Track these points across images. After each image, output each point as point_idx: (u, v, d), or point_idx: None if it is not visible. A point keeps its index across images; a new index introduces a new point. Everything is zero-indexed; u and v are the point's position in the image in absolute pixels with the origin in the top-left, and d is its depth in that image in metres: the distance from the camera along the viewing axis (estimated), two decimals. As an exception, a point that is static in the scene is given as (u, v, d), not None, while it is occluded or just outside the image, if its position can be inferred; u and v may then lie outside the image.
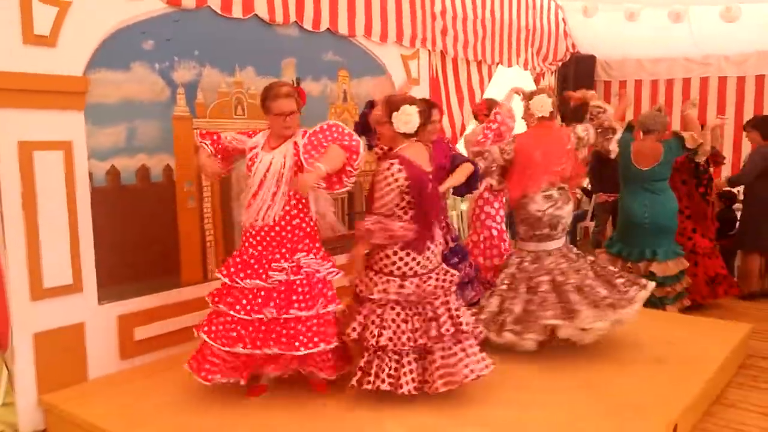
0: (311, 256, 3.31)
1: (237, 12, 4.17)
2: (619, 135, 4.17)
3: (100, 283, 3.59)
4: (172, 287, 3.93)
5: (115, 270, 3.66)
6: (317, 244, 3.40)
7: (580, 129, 4.10)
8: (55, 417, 3.30)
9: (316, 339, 3.17)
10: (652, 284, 3.98)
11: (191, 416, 3.14)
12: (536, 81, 7.75)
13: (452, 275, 3.41)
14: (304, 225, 3.34)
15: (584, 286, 3.86)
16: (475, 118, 5.23)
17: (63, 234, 3.40)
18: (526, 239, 4.08)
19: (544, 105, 4.05)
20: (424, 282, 3.27)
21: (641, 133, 5.29)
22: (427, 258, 3.30)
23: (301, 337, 3.15)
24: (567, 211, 4.05)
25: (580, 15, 7.70)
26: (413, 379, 3.19)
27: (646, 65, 8.12)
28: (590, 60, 8.26)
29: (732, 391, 3.86)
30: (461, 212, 8.89)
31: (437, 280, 3.31)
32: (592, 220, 7.79)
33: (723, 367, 3.83)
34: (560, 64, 8.04)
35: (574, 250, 4.15)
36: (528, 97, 4.20)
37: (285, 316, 3.16)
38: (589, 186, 7.59)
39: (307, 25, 4.64)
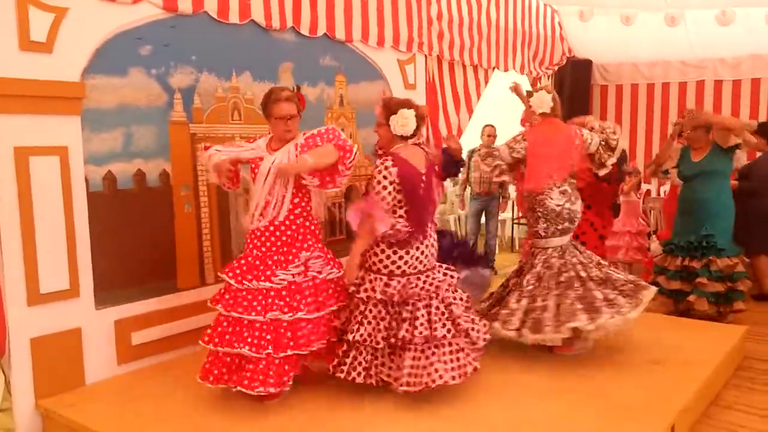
0: (316, 253, 3.38)
1: (234, 17, 4.18)
2: (619, 151, 4.19)
3: (97, 288, 3.60)
4: (169, 292, 3.94)
5: (112, 275, 3.66)
6: (319, 244, 3.45)
7: (586, 132, 4.14)
8: (53, 422, 3.29)
9: (313, 337, 3.26)
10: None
11: (189, 420, 3.13)
12: (533, 85, 7.77)
13: (446, 278, 3.45)
14: (307, 223, 3.39)
15: (605, 277, 3.93)
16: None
17: (60, 239, 3.41)
18: (549, 235, 4.07)
19: (544, 101, 4.10)
20: (411, 282, 3.32)
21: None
22: (417, 258, 3.35)
23: (310, 337, 3.25)
24: (579, 205, 4.11)
25: (576, 19, 7.74)
26: (381, 372, 3.30)
27: (642, 69, 8.16)
28: (587, 64, 8.29)
29: (729, 393, 3.87)
30: (458, 216, 8.90)
31: (425, 281, 3.36)
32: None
33: (719, 368, 3.83)
34: (556, 68, 8.07)
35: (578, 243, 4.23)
36: (528, 95, 4.27)
37: (292, 317, 3.21)
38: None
39: (304, 30, 4.66)
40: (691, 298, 5.02)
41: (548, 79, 8.05)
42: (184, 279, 4.03)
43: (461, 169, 4.25)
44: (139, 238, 3.78)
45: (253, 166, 3.39)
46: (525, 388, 3.46)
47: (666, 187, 7.58)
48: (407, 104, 3.38)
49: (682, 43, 7.48)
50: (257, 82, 4.37)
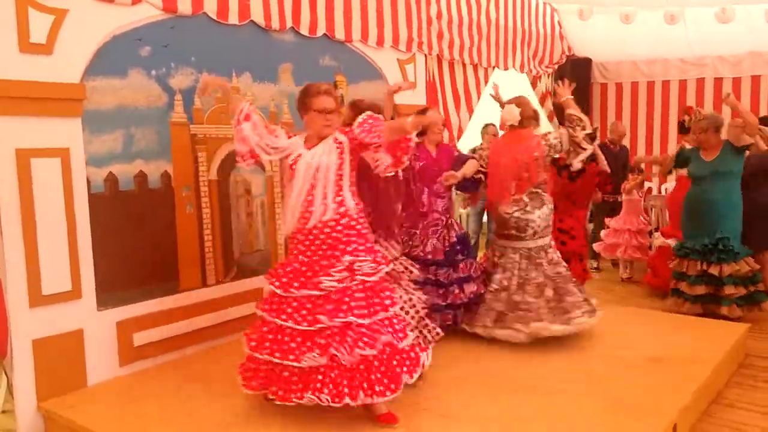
0: (362, 256, 3.10)
1: (233, 18, 4.18)
2: (586, 154, 4.12)
3: (99, 289, 3.60)
4: (170, 293, 3.94)
5: (113, 276, 3.66)
6: (368, 244, 3.17)
7: (552, 137, 4.14)
8: (54, 423, 3.29)
9: (361, 343, 2.99)
10: (599, 313, 4.13)
11: (191, 421, 3.13)
12: (533, 84, 7.78)
13: (406, 272, 3.61)
14: (353, 223, 3.11)
15: (519, 297, 4.03)
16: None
17: (61, 241, 3.41)
18: (497, 236, 4.30)
19: (512, 114, 4.09)
20: None
21: None
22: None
23: (359, 342, 2.96)
24: (539, 215, 4.11)
25: (575, 18, 7.74)
26: None
27: (642, 67, 8.15)
28: (586, 62, 8.28)
29: (731, 391, 3.87)
30: (461, 215, 8.89)
31: (388, 272, 3.40)
32: (590, 221, 7.80)
33: (720, 366, 3.83)
34: (556, 66, 8.07)
35: (549, 254, 4.18)
36: (501, 106, 4.34)
37: (342, 320, 2.97)
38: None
39: (304, 30, 4.66)
40: (724, 310, 4.95)
41: (548, 77, 8.05)
42: (185, 280, 4.03)
43: (479, 187, 4.39)
44: (140, 240, 3.79)
45: (291, 163, 3.16)
46: (523, 385, 3.46)
47: (667, 185, 7.57)
48: (376, 108, 3.36)
49: (682, 41, 7.48)
50: (257, 83, 4.38)
